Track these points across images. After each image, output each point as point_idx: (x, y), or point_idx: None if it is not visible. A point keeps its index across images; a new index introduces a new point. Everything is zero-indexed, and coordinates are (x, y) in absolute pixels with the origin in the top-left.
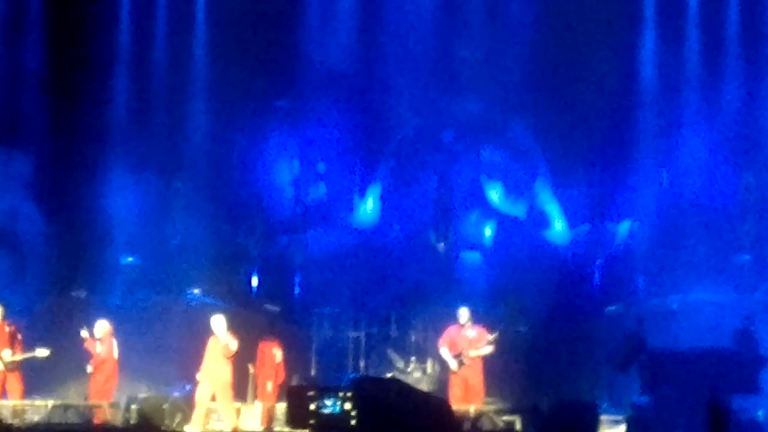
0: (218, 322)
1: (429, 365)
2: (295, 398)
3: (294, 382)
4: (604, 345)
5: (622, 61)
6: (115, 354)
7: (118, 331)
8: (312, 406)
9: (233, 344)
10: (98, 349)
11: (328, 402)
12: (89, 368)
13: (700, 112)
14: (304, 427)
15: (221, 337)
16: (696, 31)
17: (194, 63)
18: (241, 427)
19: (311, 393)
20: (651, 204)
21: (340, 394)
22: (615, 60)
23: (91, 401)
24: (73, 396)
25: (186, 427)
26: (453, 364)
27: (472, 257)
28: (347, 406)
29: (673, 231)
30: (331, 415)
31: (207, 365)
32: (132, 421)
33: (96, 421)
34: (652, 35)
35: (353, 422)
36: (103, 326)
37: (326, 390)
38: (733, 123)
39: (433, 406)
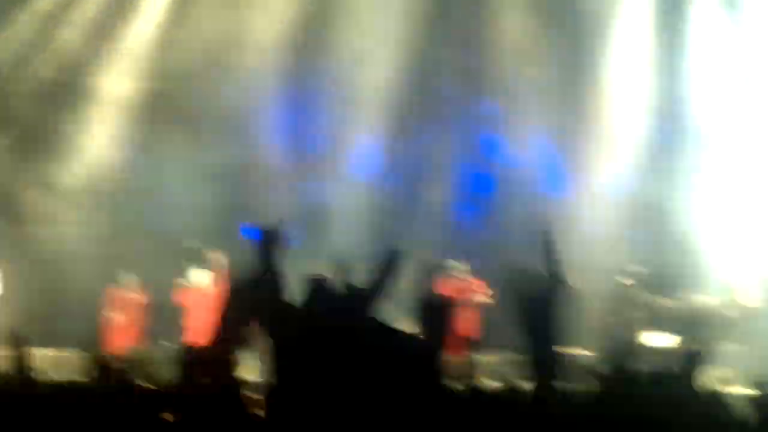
0: (199, 275)
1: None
2: None
3: None
4: None
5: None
6: None
7: None
8: None
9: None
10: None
11: None
12: None
13: None
14: None
15: (204, 287)
16: None
17: None
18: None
19: None
20: None
21: None
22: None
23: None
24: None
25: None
26: (447, 314)
27: (470, 210)
28: None
29: None
30: None
31: (193, 317)
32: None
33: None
34: None
35: None
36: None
37: None
38: None
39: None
